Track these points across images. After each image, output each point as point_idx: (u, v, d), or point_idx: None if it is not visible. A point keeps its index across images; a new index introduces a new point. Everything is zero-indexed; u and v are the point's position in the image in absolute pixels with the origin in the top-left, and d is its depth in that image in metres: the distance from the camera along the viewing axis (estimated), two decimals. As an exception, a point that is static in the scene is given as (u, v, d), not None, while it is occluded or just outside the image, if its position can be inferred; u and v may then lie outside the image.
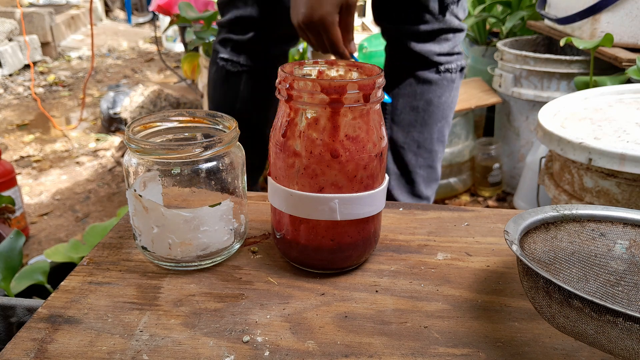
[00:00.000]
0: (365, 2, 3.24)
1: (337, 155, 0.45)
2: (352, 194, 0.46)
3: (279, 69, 0.47)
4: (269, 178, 0.50)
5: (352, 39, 0.84)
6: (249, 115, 1.05)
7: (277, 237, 0.51)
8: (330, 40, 0.81)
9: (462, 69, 1.04)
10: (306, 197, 0.46)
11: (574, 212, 0.46)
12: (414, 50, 0.98)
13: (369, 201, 0.47)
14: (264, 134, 1.14)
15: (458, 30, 1.00)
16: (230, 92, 1.07)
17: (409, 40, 0.98)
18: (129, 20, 4.95)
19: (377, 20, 1.02)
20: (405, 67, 1.00)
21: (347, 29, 0.83)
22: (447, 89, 1.02)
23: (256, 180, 1.15)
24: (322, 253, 0.48)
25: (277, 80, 0.47)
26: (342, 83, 0.43)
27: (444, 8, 0.95)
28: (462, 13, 1.00)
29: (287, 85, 0.45)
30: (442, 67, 1.00)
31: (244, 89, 1.05)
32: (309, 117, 0.45)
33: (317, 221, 0.47)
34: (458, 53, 1.02)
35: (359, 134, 0.45)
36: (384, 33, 1.02)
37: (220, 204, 0.48)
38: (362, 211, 0.47)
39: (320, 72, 0.52)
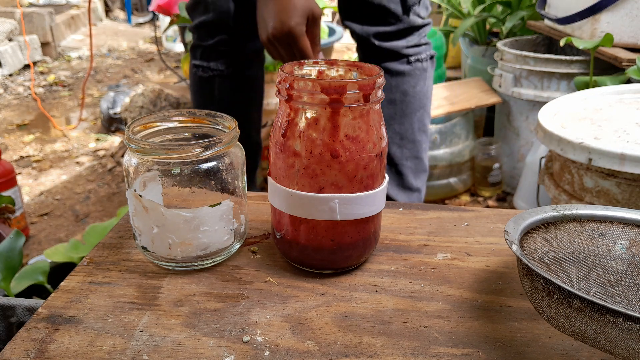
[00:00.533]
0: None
1: (337, 155, 0.45)
2: (352, 194, 0.46)
3: (279, 69, 0.47)
4: (269, 178, 0.50)
5: (320, 50, 0.88)
6: None
7: (277, 237, 0.51)
8: (300, 50, 0.83)
9: (432, 57, 1.08)
10: (306, 197, 0.46)
11: (574, 212, 0.46)
12: (383, 47, 1.02)
13: (369, 201, 0.47)
14: (250, 134, 1.15)
15: (422, 26, 1.04)
16: (205, 97, 1.09)
17: (376, 40, 1.02)
18: (129, 20, 4.95)
19: (344, 21, 1.06)
20: (377, 62, 1.03)
21: (314, 41, 0.85)
22: (421, 78, 1.06)
23: (250, 181, 1.16)
24: (322, 253, 0.48)
25: (277, 80, 0.47)
26: (342, 83, 0.43)
27: (407, 9, 1.00)
28: (425, 11, 1.04)
29: (287, 85, 0.45)
30: (412, 58, 1.04)
31: (218, 93, 1.07)
32: (309, 117, 0.45)
33: (317, 221, 0.47)
34: (426, 43, 1.06)
35: (359, 134, 0.45)
36: (353, 34, 1.06)
37: (220, 204, 0.48)
38: (362, 211, 0.47)
39: (320, 72, 0.52)
